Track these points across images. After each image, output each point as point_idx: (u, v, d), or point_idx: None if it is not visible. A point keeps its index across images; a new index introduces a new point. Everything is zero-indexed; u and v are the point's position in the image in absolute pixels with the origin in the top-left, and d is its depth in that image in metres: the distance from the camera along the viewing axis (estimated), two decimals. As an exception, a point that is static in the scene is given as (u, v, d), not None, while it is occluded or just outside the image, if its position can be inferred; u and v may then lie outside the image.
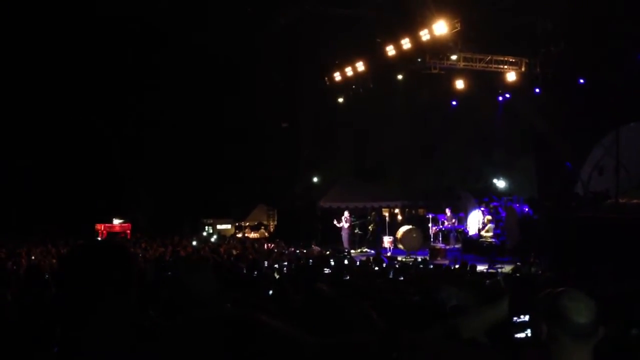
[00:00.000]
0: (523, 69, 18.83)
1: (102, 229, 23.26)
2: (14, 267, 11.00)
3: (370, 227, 20.32)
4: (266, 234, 25.55)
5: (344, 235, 19.67)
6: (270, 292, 6.20)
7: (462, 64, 18.65)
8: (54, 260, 12.37)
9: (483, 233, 17.27)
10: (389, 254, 17.09)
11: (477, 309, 2.95)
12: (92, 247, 1.70)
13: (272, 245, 18.64)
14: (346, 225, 19.73)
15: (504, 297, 2.73)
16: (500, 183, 20.29)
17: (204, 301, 2.47)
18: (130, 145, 25.06)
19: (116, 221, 24.09)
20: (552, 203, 15.16)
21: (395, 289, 6.96)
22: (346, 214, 19.90)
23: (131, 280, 1.64)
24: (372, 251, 18.61)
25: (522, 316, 2.40)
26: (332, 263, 12.03)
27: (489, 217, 17.29)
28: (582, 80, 17.29)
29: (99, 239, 21.56)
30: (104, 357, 1.52)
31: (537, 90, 18.49)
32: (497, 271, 13.12)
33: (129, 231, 23.63)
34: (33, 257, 13.74)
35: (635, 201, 13.80)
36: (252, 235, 25.23)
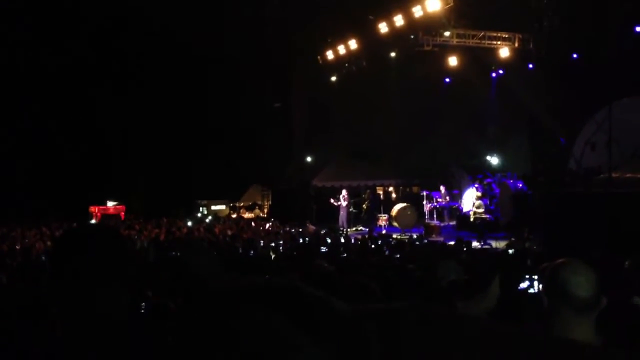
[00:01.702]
0: (516, 45, 18.77)
1: (96, 211, 23.19)
2: (8, 250, 10.97)
3: (364, 206, 20.36)
4: (261, 213, 25.57)
5: (342, 213, 19.67)
6: (267, 271, 6.23)
7: (455, 41, 18.56)
8: (49, 243, 12.35)
9: (474, 209, 17.36)
10: (383, 232, 17.16)
11: (474, 298, 2.98)
12: (85, 231, 1.68)
13: (267, 225, 18.67)
14: (344, 203, 19.71)
15: (494, 281, 2.76)
16: (494, 160, 20.36)
17: (207, 281, 2.47)
18: (123, 126, 24.90)
19: (110, 203, 24.02)
20: (545, 179, 15.24)
21: (393, 266, 7.01)
22: (344, 192, 19.88)
23: (126, 263, 1.62)
24: (367, 229, 18.70)
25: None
26: (329, 241, 12.10)
27: (479, 194, 17.34)
28: (575, 56, 17.26)
29: (93, 221, 21.53)
30: (105, 341, 1.52)
31: (531, 66, 18.45)
32: (491, 247, 13.26)
33: (123, 213, 23.58)
34: (27, 240, 13.71)
35: (627, 175, 13.90)
36: (247, 215, 25.26)
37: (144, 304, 3.14)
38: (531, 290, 4.02)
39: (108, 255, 1.57)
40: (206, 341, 0.67)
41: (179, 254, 2.34)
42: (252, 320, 0.67)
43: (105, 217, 22.71)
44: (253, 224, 19.59)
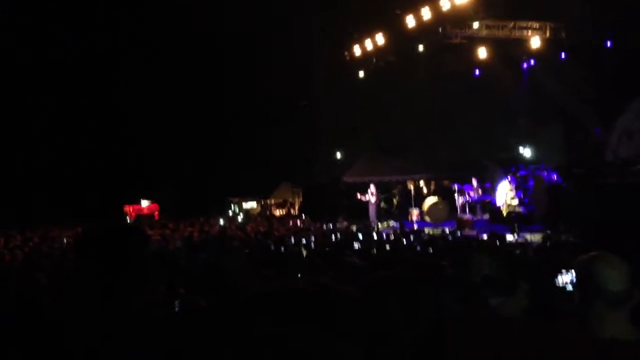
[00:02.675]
0: (548, 35, 18.39)
1: (131, 210, 23.61)
2: (48, 251, 11.26)
3: (395, 201, 20.25)
4: (292, 210, 25.68)
5: (371, 209, 19.63)
6: (299, 268, 6.26)
7: (484, 32, 18.30)
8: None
9: (508, 202, 17.08)
10: (415, 227, 17.05)
11: (508, 295, 2.95)
12: (105, 231, 1.73)
13: (299, 222, 18.74)
14: (373, 199, 19.67)
15: (521, 288, 2.73)
16: (527, 152, 20.01)
17: (235, 280, 2.50)
18: (156, 127, 25.28)
19: (144, 202, 24.43)
20: (581, 170, 14.92)
21: (426, 261, 6.96)
22: (372, 187, 19.83)
23: (146, 261, 1.68)
24: (398, 224, 18.59)
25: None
26: (361, 237, 12.07)
27: (513, 187, 17.07)
28: (609, 43, 16.85)
29: (128, 220, 21.93)
30: (141, 335, 1.55)
31: (563, 55, 18.07)
32: (526, 240, 13.04)
33: (156, 212, 23.96)
34: (65, 240, 14.05)
35: (666, 165, 13.51)
36: (278, 212, 25.39)
37: (177, 301, 3.21)
38: (567, 285, 3.95)
39: (126, 253, 1.62)
40: (231, 342, 0.68)
41: (210, 254, 2.38)
42: (276, 328, 0.68)
43: (140, 216, 23.10)
44: (284, 221, 19.68)
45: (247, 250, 9.69)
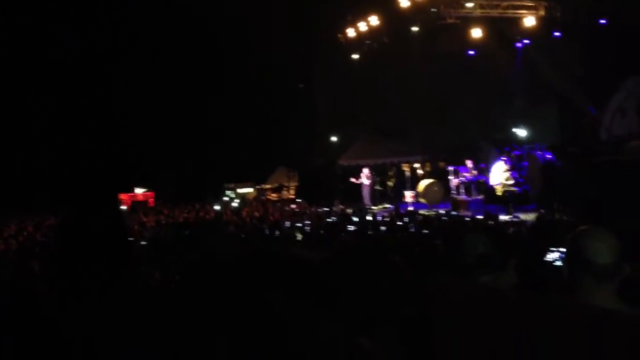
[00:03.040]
0: (542, 13, 18.29)
1: (126, 198, 23.59)
2: (42, 240, 11.24)
3: (390, 183, 20.26)
4: (288, 195, 25.69)
5: (365, 191, 19.68)
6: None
7: (478, 12, 18.19)
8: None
9: (503, 182, 17.10)
10: (410, 209, 17.08)
11: (492, 279, 2.96)
12: (82, 218, 1.73)
13: (294, 206, 18.75)
14: (367, 182, 19.68)
15: (509, 265, 2.76)
16: (521, 132, 19.99)
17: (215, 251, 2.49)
18: (150, 114, 25.15)
19: (139, 190, 24.39)
20: (575, 149, 14.93)
21: (420, 242, 6.97)
22: (365, 170, 19.84)
23: (126, 245, 1.71)
24: (393, 207, 18.63)
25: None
26: (355, 220, 12.09)
27: (507, 167, 17.09)
28: (603, 21, 16.76)
29: (124, 207, 21.91)
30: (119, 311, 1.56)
31: (557, 34, 17.98)
32: (519, 219, 13.08)
33: (152, 199, 23.93)
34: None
35: (660, 142, 13.53)
36: (274, 197, 25.39)
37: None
38: (557, 261, 3.96)
39: (103, 238, 1.64)
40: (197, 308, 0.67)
41: (194, 233, 2.39)
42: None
43: (135, 203, 23.08)
44: (280, 205, 19.70)
45: (242, 235, 9.71)
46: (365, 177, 19.72)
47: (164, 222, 14.27)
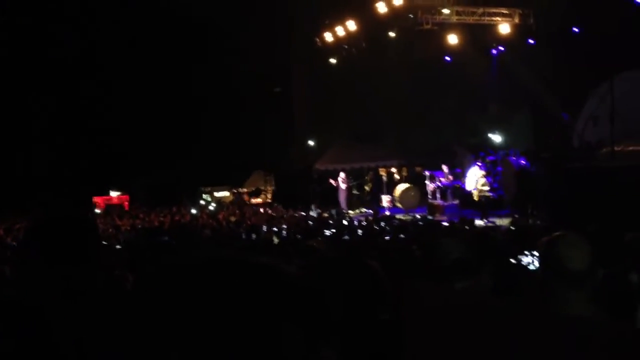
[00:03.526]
0: (517, 21, 18.57)
1: (100, 201, 23.26)
2: (13, 243, 11.01)
3: (367, 187, 20.34)
4: (266, 199, 25.61)
5: (341, 196, 19.69)
6: (269, 255, 6.24)
7: (454, 18, 18.39)
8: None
9: (479, 187, 17.30)
10: (387, 213, 17.16)
11: (474, 277, 2.97)
12: (52, 221, 1.72)
13: (271, 210, 18.70)
14: (343, 186, 19.70)
15: (485, 270, 2.77)
16: (497, 137, 20.25)
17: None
18: (126, 117, 24.86)
19: (113, 193, 24.09)
20: (548, 155, 15.16)
21: (396, 247, 7.01)
22: (342, 174, 19.87)
23: (94, 249, 1.69)
24: (370, 211, 18.68)
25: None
26: (332, 224, 12.11)
27: (483, 172, 17.30)
28: (576, 29, 17.08)
29: (97, 211, 21.61)
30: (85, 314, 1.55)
31: (531, 41, 18.27)
32: (494, 224, 13.25)
33: (127, 202, 23.65)
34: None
35: (630, 149, 13.81)
36: (251, 201, 25.29)
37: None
38: (530, 265, 4.01)
39: (73, 241, 1.62)
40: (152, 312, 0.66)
41: (166, 238, 2.36)
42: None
43: (110, 207, 22.77)
44: (257, 209, 19.63)
45: (218, 240, 9.65)
46: (341, 181, 19.74)
47: (140, 226, 14.11)
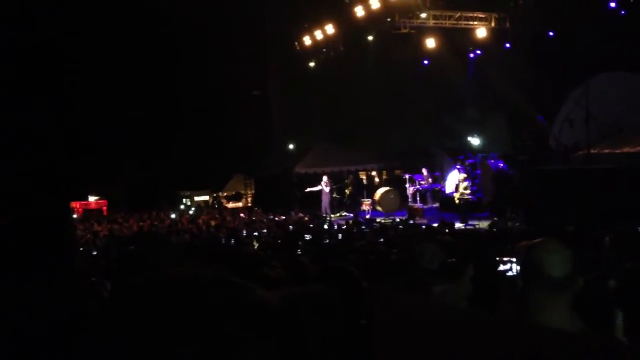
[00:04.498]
0: (493, 25, 18.79)
1: (78, 206, 22.93)
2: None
3: (347, 191, 20.35)
4: (247, 203, 25.49)
5: (324, 199, 19.59)
6: (248, 260, 6.20)
7: (432, 22, 18.53)
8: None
9: (461, 190, 17.44)
10: (367, 217, 17.19)
11: (446, 289, 2.95)
12: (21, 223, 1.67)
13: (251, 214, 18.61)
14: (326, 189, 19.62)
15: (466, 274, 2.73)
16: (475, 140, 20.43)
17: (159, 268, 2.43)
18: (103, 120, 24.53)
19: (92, 198, 23.77)
20: (525, 157, 15.34)
21: (375, 250, 7.01)
22: (325, 178, 19.81)
23: (64, 252, 1.65)
24: (351, 214, 18.69)
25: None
26: (312, 228, 12.08)
27: (464, 175, 17.43)
28: (551, 33, 17.33)
29: (75, 216, 21.29)
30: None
31: (507, 45, 18.49)
32: (474, 227, 13.34)
33: (105, 207, 23.35)
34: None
35: (605, 151, 14.04)
36: (231, 205, 25.16)
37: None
38: (509, 271, 4.02)
39: (42, 245, 1.59)
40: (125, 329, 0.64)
41: (137, 247, 2.31)
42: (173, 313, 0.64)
43: (87, 212, 22.46)
44: (237, 213, 19.51)
45: (196, 243, 9.57)
46: (324, 185, 19.67)
47: (118, 232, 13.95)
